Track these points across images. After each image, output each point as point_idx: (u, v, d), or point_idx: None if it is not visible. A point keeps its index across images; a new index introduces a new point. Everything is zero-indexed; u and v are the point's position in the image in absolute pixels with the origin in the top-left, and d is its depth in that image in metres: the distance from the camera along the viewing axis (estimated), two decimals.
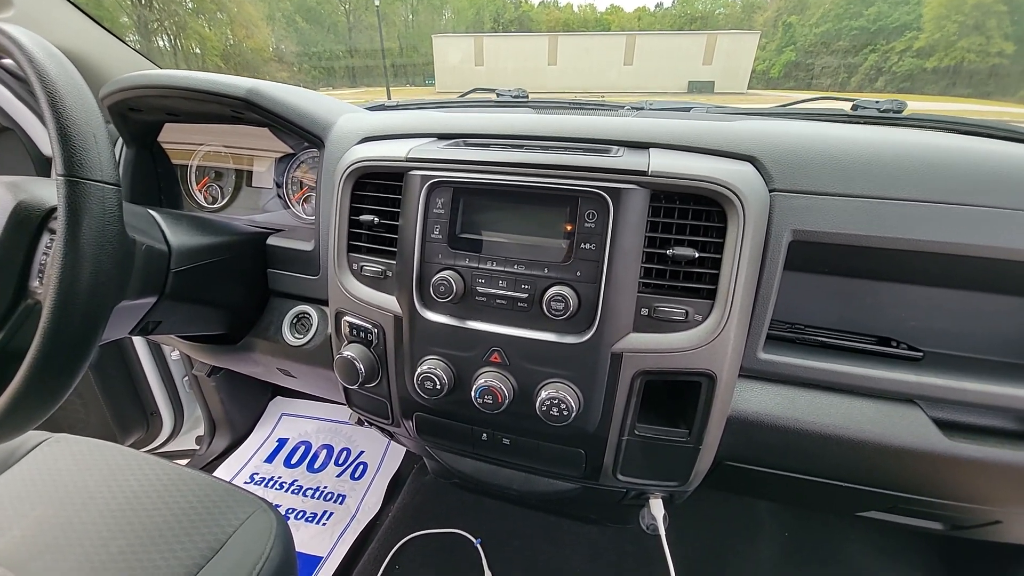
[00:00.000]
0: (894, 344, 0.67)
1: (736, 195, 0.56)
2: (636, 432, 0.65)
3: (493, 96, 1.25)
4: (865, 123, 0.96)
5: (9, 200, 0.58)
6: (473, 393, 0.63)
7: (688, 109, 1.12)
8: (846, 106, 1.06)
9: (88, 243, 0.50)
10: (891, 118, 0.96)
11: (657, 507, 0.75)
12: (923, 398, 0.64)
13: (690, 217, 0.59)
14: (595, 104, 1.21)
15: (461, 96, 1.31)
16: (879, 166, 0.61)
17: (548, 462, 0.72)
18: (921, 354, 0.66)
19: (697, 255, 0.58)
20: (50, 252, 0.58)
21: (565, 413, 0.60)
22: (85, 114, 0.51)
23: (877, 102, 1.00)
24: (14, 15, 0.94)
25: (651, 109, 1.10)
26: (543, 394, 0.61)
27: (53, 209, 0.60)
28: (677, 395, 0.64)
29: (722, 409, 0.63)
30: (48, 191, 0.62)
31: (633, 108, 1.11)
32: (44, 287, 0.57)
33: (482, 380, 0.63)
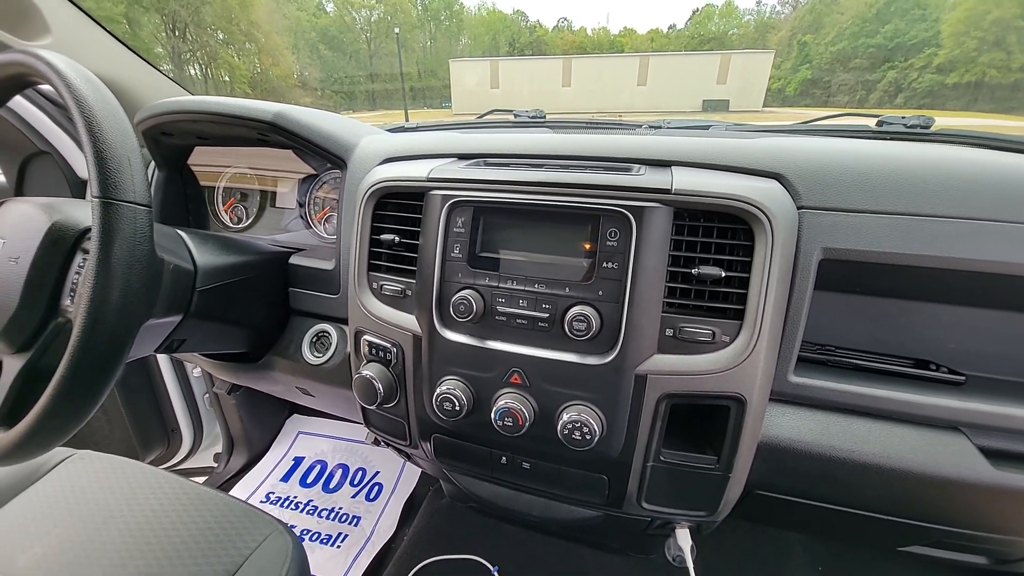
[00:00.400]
0: (934, 367, 0.64)
1: (764, 212, 0.55)
2: (662, 458, 0.62)
3: (511, 117, 1.26)
4: (891, 139, 0.94)
5: (44, 220, 0.60)
6: (493, 415, 0.62)
7: (707, 127, 1.11)
8: (870, 122, 1.04)
9: (119, 262, 0.51)
10: (919, 134, 0.94)
11: (684, 537, 0.72)
12: (967, 425, 0.60)
13: (715, 235, 0.58)
14: (613, 123, 1.21)
15: (479, 117, 1.33)
16: (910, 182, 0.59)
17: (569, 488, 0.69)
18: (963, 378, 0.62)
19: (724, 274, 0.56)
20: (82, 271, 0.60)
21: (588, 437, 0.58)
22: (120, 138, 0.53)
23: (903, 118, 0.98)
24: (52, 42, 0.99)
25: (669, 128, 1.10)
26: (565, 417, 0.60)
27: (87, 230, 0.62)
28: (705, 420, 0.62)
29: (752, 435, 0.61)
30: (82, 212, 0.64)
31: (651, 127, 1.11)
32: (75, 305, 0.59)
33: (502, 402, 0.62)
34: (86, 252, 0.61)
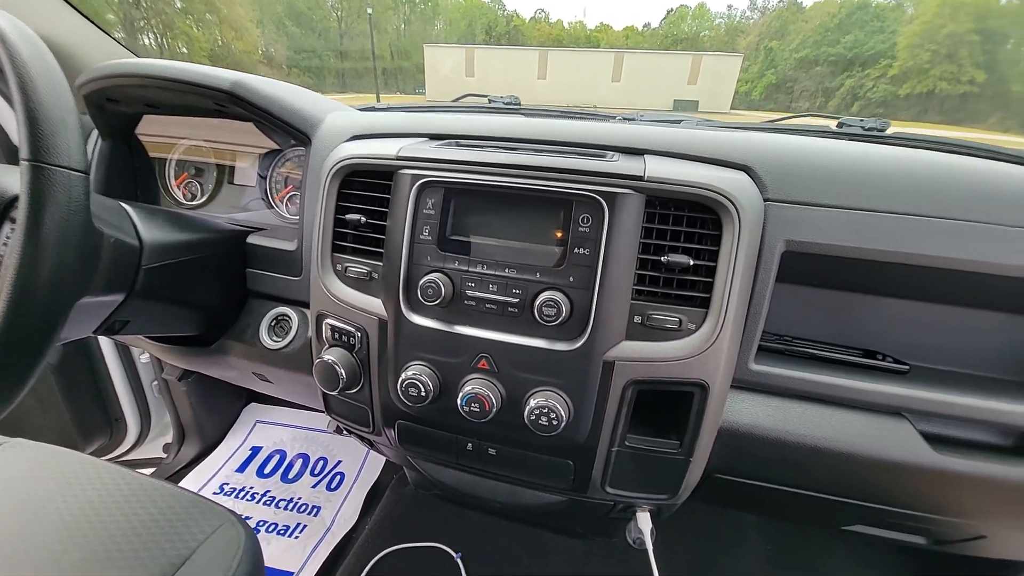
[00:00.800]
0: (880, 357, 0.68)
1: (732, 203, 0.56)
2: (627, 443, 0.63)
3: (485, 102, 1.24)
4: (851, 139, 0.98)
5: None
6: (459, 401, 0.61)
7: (678, 121, 1.12)
8: (831, 123, 1.08)
9: (50, 232, 0.46)
10: (875, 136, 0.98)
11: (644, 520, 0.73)
12: (911, 411, 0.64)
13: (685, 224, 0.59)
14: (587, 113, 1.21)
15: (454, 100, 1.30)
16: (870, 179, 0.61)
17: (535, 473, 0.69)
18: (907, 367, 0.66)
19: (692, 263, 0.57)
20: (9, 242, 0.55)
21: (555, 423, 0.58)
22: (56, 98, 0.48)
23: (862, 120, 1.03)
24: None
25: (642, 121, 1.11)
26: (532, 402, 0.59)
27: (14, 198, 0.56)
28: (668, 405, 0.63)
29: (714, 420, 0.62)
30: (12, 179, 0.58)
31: (624, 119, 1.11)
32: (0, 279, 0.53)
33: (469, 387, 0.61)
34: (13, 222, 0.56)
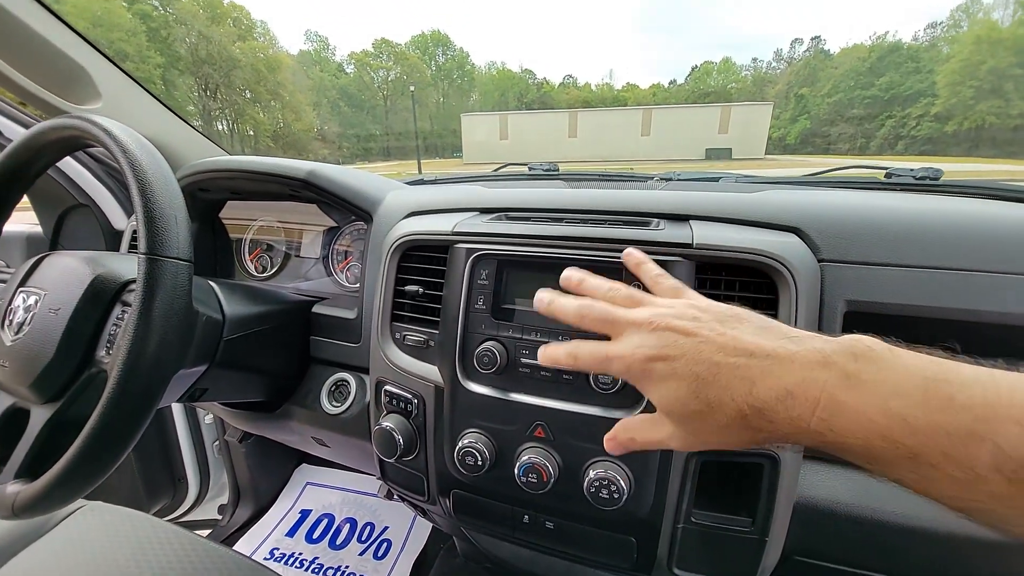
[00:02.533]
0: None
1: (786, 266, 0.55)
2: (693, 519, 0.60)
3: (525, 169, 1.31)
4: (902, 190, 0.96)
5: (88, 273, 0.63)
6: (516, 470, 0.60)
7: (717, 179, 1.14)
8: (878, 173, 1.06)
9: (159, 315, 0.53)
10: (928, 186, 0.96)
11: None
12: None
13: (738, 289, 0.59)
14: (624, 175, 1.25)
15: (495, 170, 1.38)
16: (930, 236, 0.60)
17: (595, 551, 0.66)
18: None
19: None
20: (120, 324, 0.62)
21: (615, 495, 0.56)
22: (170, 198, 0.56)
23: (912, 170, 1.00)
24: (102, 106, 1.07)
25: (680, 180, 1.13)
26: (591, 474, 0.58)
27: (127, 283, 0.65)
28: (737, 479, 0.59)
29: (788, 495, 0.58)
30: (123, 265, 0.67)
31: (662, 179, 1.14)
32: (112, 356, 0.60)
33: (526, 456, 0.60)
34: (125, 304, 0.63)
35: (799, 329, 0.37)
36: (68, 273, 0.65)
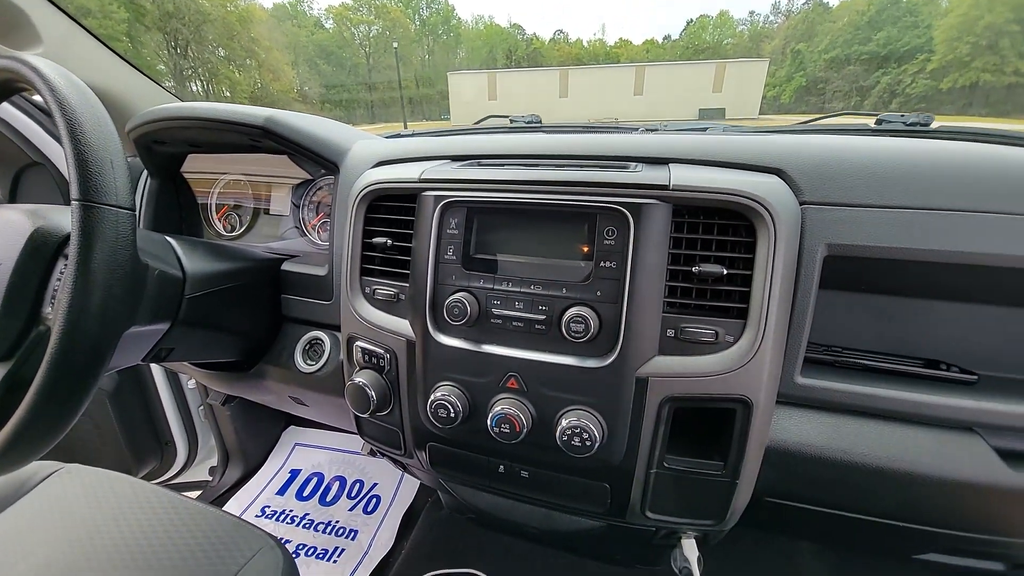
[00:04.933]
0: (944, 367, 0.62)
1: (765, 207, 0.53)
2: (666, 464, 0.60)
3: (507, 122, 1.26)
4: (891, 136, 0.93)
5: (27, 226, 0.59)
6: (489, 421, 0.60)
7: (704, 129, 1.10)
8: (869, 121, 1.03)
9: (99, 267, 0.49)
10: (919, 131, 0.92)
11: (690, 548, 0.69)
12: (982, 425, 0.58)
13: (715, 232, 0.56)
14: (609, 127, 1.20)
15: (476, 123, 1.32)
16: (915, 175, 0.57)
17: (570, 497, 0.67)
18: (976, 377, 0.60)
19: (725, 272, 0.55)
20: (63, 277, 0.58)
21: (588, 443, 0.56)
22: (103, 140, 0.52)
23: (903, 115, 0.97)
24: (43, 52, 0.98)
25: (665, 130, 1.09)
26: (564, 423, 0.57)
27: (69, 235, 0.60)
28: (710, 424, 0.59)
29: (759, 439, 0.58)
30: (66, 218, 0.62)
31: (647, 129, 1.10)
32: (54, 312, 0.57)
33: (498, 408, 0.60)
34: (68, 258, 0.59)
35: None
36: (8, 227, 0.61)
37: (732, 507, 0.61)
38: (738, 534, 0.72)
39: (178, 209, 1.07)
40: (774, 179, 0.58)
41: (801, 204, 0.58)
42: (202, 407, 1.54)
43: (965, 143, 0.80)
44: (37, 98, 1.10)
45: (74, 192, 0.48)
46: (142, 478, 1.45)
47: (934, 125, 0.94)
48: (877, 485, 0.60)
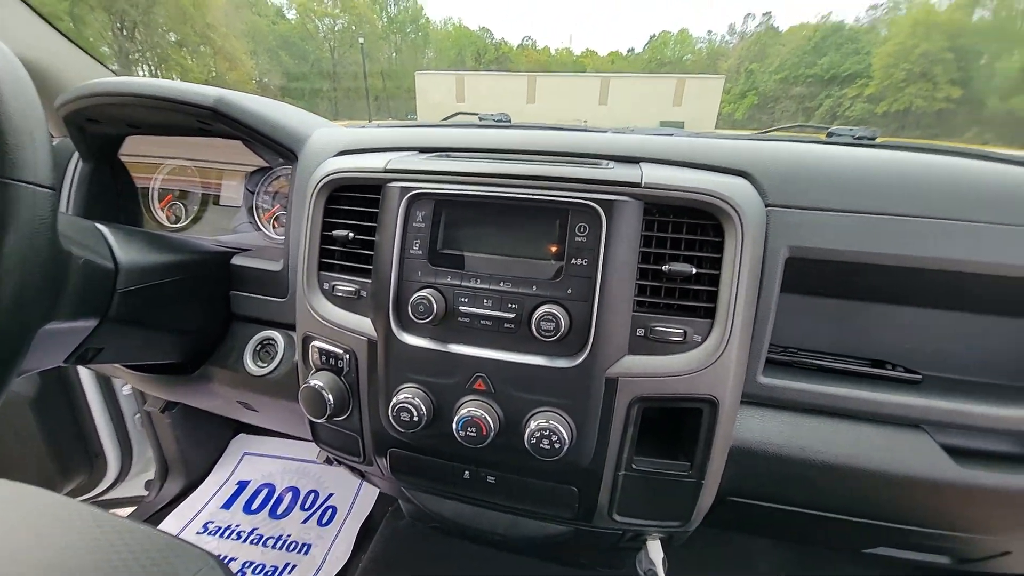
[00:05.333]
0: (889, 367, 0.65)
1: (734, 208, 0.54)
2: (633, 466, 0.59)
3: (476, 119, 1.23)
4: (842, 147, 0.97)
5: None
6: (455, 425, 0.57)
7: (670, 134, 1.12)
8: (820, 135, 1.08)
9: (12, 253, 0.43)
10: (865, 144, 0.98)
11: (656, 550, 0.69)
12: (928, 422, 0.61)
13: (685, 231, 0.57)
14: (578, 128, 1.21)
15: (444, 119, 1.29)
16: (870, 181, 0.60)
17: (537, 502, 0.65)
18: (920, 376, 0.63)
19: (694, 271, 0.55)
20: None
21: (557, 446, 0.55)
22: (24, 111, 0.46)
23: (851, 129, 1.02)
24: None
25: (633, 133, 1.10)
26: (532, 424, 0.56)
27: None
28: (676, 425, 0.59)
29: (724, 438, 0.59)
30: None
31: (616, 132, 1.11)
32: None
33: (464, 410, 0.57)
34: None
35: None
36: None
37: (698, 507, 0.61)
38: (699, 532, 0.73)
39: (115, 196, 0.98)
40: (741, 181, 0.59)
41: (766, 207, 0.59)
42: (138, 415, 1.42)
43: (908, 152, 0.86)
44: None
45: None
46: (67, 494, 1.32)
47: (879, 140, 1.00)
48: (832, 481, 0.62)
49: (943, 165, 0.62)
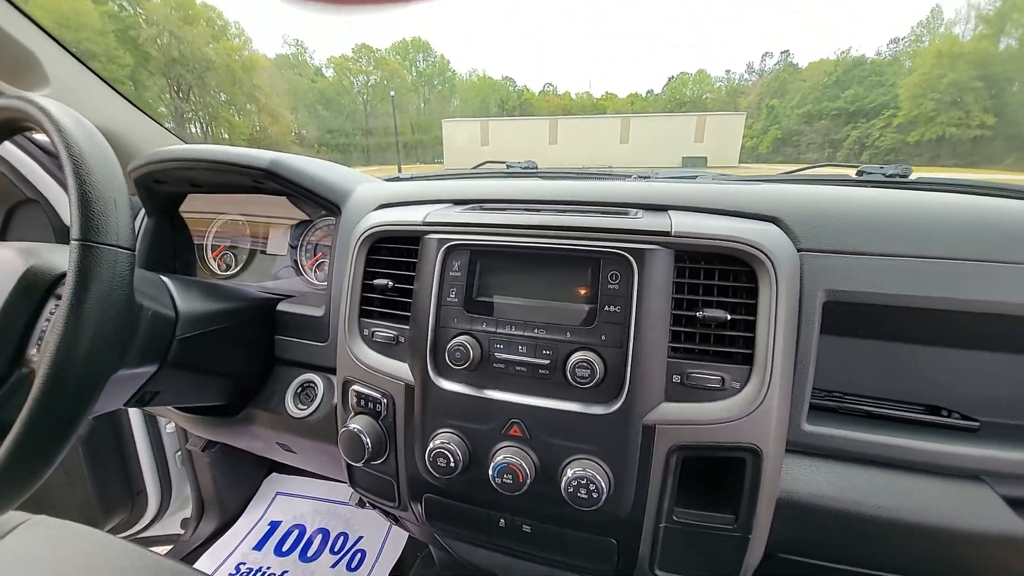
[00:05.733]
0: (945, 413, 0.62)
1: (766, 254, 0.54)
2: (675, 518, 0.57)
3: (504, 167, 1.29)
4: (873, 187, 0.97)
5: (20, 265, 0.57)
6: (491, 471, 0.57)
7: (694, 177, 1.14)
8: (850, 172, 1.07)
9: (92, 308, 0.48)
10: (898, 182, 0.97)
11: None
12: (988, 473, 0.57)
13: (717, 278, 0.57)
14: (603, 173, 1.24)
15: (474, 167, 1.35)
16: (905, 224, 0.59)
17: (575, 554, 0.63)
18: (978, 424, 0.60)
19: (729, 317, 0.55)
20: (53, 318, 0.56)
21: (594, 495, 0.54)
22: (107, 180, 0.52)
23: (882, 167, 1.02)
24: (50, 93, 1.00)
25: (657, 178, 1.13)
26: (569, 472, 0.55)
27: (63, 275, 0.59)
28: (720, 475, 0.58)
29: (770, 490, 0.56)
30: (61, 257, 0.61)
31: (640, 177, 1.13)
32: (40, 353, 0.55)
33: (500, 457, 0.57)
34: (59, 298, 0.58)
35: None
36: (0, 265, 0.59)
37: (745, 564, 0.58)
38: None
39: (173, 248, 1.06)
40: (772, 227, 0.60)
41: (799, 251, 0.59)
42: (179, 452, 1.46)
43: (943, 194, 0.84)
44: (38, 136, 1.12)
45: (74, 232, 0.48)
46: (109, 530, 1.35)
47: (912, 176, 0.99)
48: (888, 537, 0.58)
49: (977, 205, 0.62)
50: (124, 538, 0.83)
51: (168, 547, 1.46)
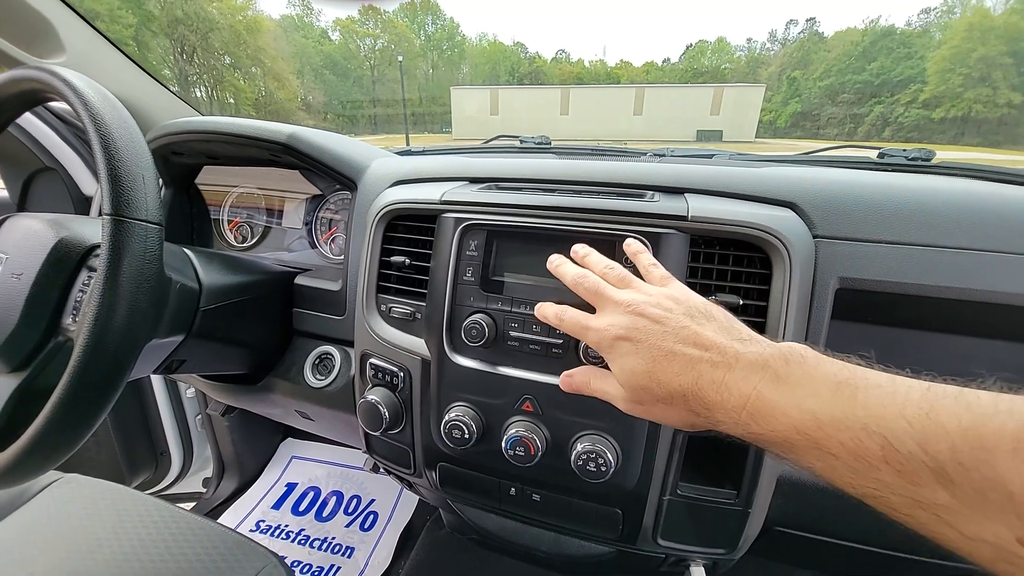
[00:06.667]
0: None
1: (782, 240, 0.55)
2: (679, 492, 0.60)
3: (517, 143, 1.28)
4: (894, 170, 0.95)
5: (51, 237, 0.59)
6: (504, 444, 0.60)
7: (710, 156, 1.12)
8: (871, 154, 1.05)
9: (127, 281, 0.50)
10: (920, 166, 0.95)
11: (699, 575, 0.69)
12: None
13: (731, 263, 0.58)
14: (617, 151, 1.23)
15: (485, 143, 1.34)
16: (923, 213, 0.59)
17: (581, 522, 0.67)
18: None
19: (741, 302, 0.56)
20: (87, 289, 0.59)
21: (603, 469, 0.56)
22: (135, 156, 0.53)
23: (905, 151, 1.00)
24: (66, 60, 1.00)
25: (672, 156, 1.11)
26: (579, 447, 0.58)
27: (93, 247, 0.61)
28: (723, 452, 0.60)
29: (772, 467, 0.59)
30: (89, 229, 0.63)
31: (655, 155, 1.12)
32: (78, 324, 0.57)
33: (513, 430, 0.60)
34: (92, 270, 0.60)
35: (754, 332, 0.41)
36: (31, 236, 0.61)
37: (744, 536, 0.61)
38: (744, 561, 0.72)
39: (190, 219, 1.08)
40: (789, 213, 0.60)
41: (814, 238, 0.59)
42: (199, 416, 1.53)
43: (967, 180, 0.83)
44: (55, 104, 1.12)
45: (106, 207, 0.49)
46: (135, 488, 1.43)
47: (935, 160, 0.97)
48: (884, 515, 0.60)
49: (998, 195, 0.61)
50: (150, 494, 0.89)
51: (191, 504, 1.55)
